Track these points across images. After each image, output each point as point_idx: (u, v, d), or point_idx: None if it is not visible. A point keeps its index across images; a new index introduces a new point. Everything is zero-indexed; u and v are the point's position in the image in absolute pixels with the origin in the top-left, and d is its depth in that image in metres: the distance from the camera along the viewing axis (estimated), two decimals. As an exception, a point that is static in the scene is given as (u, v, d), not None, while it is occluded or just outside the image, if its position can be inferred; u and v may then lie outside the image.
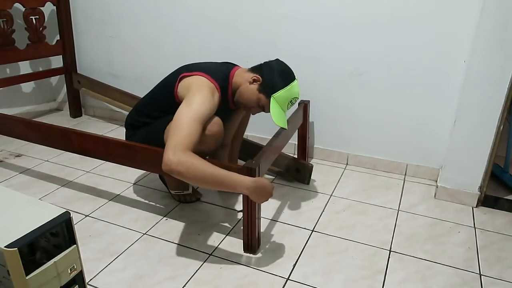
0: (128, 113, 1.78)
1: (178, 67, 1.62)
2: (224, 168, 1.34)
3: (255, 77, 1.52)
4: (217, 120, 1.46)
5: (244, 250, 1.51)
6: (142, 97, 1.75)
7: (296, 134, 2.06)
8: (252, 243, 1.49)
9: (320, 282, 1.37)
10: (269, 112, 1.51)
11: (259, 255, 1.50)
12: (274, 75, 1.51)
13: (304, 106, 2.02)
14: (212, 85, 1.46)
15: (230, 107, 1.64)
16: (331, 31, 2.04)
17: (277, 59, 1.59)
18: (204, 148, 1.47)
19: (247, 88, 1.54)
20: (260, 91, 1.52)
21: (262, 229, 1.65)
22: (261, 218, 1.72)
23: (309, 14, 2.05)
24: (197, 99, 1.38)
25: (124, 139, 1.73)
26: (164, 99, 1.57)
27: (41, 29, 2.54)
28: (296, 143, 2.14)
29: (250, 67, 1.59)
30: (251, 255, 1.50)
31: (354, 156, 2.23)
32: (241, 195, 1.43)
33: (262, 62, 1.58)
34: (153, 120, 1.61)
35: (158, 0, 2.40)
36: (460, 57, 1.82)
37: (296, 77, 1.55)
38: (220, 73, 1.53)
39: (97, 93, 2.70)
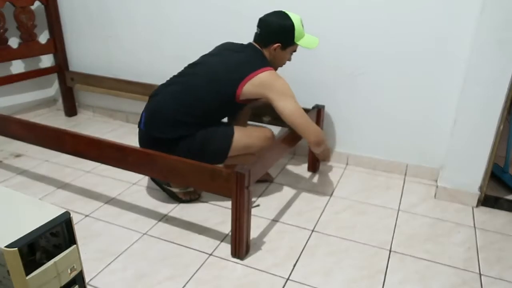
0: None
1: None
2: (213, 171, 1.42)
3: (274, 48, 1.70)
4: (272, 135, 1.79)
5: (232, 255, 1.49)
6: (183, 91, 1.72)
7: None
8: (239, 249, 1.47)
9: (320, 282, 1.37)
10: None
11: (259, 255, 1.50)
12: (282, 32, 1.67)
13: (318, 110, 2.01)
14: (274, 72, 1.67)
15: None
16: (331, 31, 2.04)
17: (263, 20, 1.71)
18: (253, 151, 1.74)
19: (276, 57, 1.73)
20: (286, 48, 1.72)
21: (262, 229, 1.66)
22: (262, 219, 1.73)
23: (308, 14, 2.05)
24: (285, 89, 1.64)
25: (165, 137, 1.66)
26: (220, 102, 1.67)
27: (32, 27, 2.54)
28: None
29: (253, 40, 1.75)
30: (247, 256, 1.50)
31: (354, 156, 2.23)
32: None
33: (258, 30, 1.72)
34: (196, 133, 1.66)
35: None
36: (460, 57, 1.82)
37: (284, 11, 1.70)
38: (266, 61, 1.71)
39: (91, 86, 2.71)
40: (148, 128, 1.69)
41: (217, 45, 1.84)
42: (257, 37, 1.73)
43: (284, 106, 1.62)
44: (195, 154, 1.60)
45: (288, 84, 1.65)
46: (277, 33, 1.68)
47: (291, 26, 1.65)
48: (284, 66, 1.81)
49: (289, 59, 1.80)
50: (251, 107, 1.96)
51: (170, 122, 1.64)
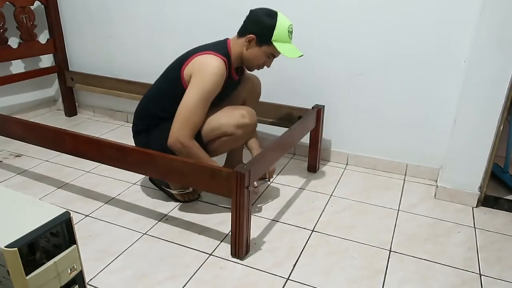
0: (133, 117, 1.79)
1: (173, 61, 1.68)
2: (213, 171, 1.42)
3: (248, 38, 1.60)
4: (248, 112, 1.62)
5: (232, 255, 1.49)
6: (141, 100, 1.76)
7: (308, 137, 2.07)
8: (239, 249, 1.47)
9: (320, 282, 1.37)
10: (279, 54, 1.62)
11: (259, 255, 1.50)
12: (261, 25, 1.57)
13: (318, 110, 2.00)
14: (219, 59, 1.54)
15: (234, 78, 1.69)
16: (330, 31, 2.04)
17: (250, 11, 1.64)
18: (237, 140, 1.65)
19: (249, 51, 1.62)
20: (260, 45, 1.60)
21: (262, 229, 1.66)
22: (262, 219, 1.73)
23: (309, 15, 2.05)
24: (205, 80, 1.51)
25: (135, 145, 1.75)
26: (174, 94, 1.60)
27: (32, 27, 2.54)
28: (308, 146, 2.13)
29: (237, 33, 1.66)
30: (247, 256, 1.50)
31: (354, 156, 2.23)
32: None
33: (243, 21, 1.64)
34: (166, 121, 1.63)
35: None
36: (460, 57, 1.82)
37: (277, 11, 1.60)
38: (219, 46, 1.61)
39: (91, 86, 2.71)
40: (132, 127, 1.78)
41: None
42: (240, 27, 1.65)
43: (187, 92, 1.53)
44: (167, 149, 1.57)
45: (214, 80, 1.51)
46: (256, 24, 1.57)
47: (273, 23, 1.55)
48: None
49: (267, 64, 1.68)
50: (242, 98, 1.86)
51: (142, 115, 1.71)
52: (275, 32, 1.56)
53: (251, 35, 1.59)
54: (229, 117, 1.60)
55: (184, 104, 1.53)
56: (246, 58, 1.64)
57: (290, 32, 1.60)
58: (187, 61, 1.57)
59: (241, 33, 1.63)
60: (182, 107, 1.53)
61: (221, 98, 1.67)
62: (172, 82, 1.62)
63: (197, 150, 1.58)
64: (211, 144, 1.66)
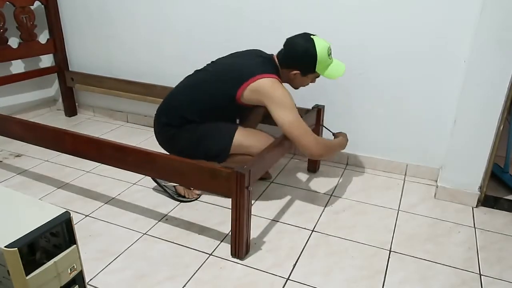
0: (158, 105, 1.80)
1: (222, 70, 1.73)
2: (213, 171, 1.43)
3: (294, 73, 1.69)
4: (271, 139, 1.71)
5: (232, 255, 1.49)
6: (174, 93, 1.77)
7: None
8: (239, 249, 1.47)
9: (320, 282, 1.37)
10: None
11: (259, 255, 1.50)
12: (303, 61, 1.66)
13: (318, 110, 2.01)
14: (278, 81, 1.64)
15: None
16: (331, 31, 2.03)
17: (288, 40, 1.69)
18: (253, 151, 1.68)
19: (295, 81, 1.74)
20: (307, 75, 1.71)
21: (262, 229, 1.66)
22: (262, 219, 1.73)
23: (309, 14, 2.05)
24: (285, 99, 1.59)
25: (161, 139, 1.77)
26: (221, 106, 1.68)
27: (32, 27, 2.54)
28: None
29: (276, 55, 1.74)
30: (247, 256, 1.50)
31: (354, 156, 2.23)
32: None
33: (282, 49, 1.71)
34: (194, 124, 1.68)
35: None
36: (460, 57, 1.82)
37: (312, 34, 1.67)
38: (273, 70, 1.68)
39: (91, 86, 2.71)
40: (158, 114, 1.78)
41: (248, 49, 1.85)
42: (280, 56, 1.72)
43: (280, 116, 1.59)
44: (194, 146, 1.63)
45: (289, 94, 1.61)
46: (298, 61, 1.66)
47: (314, 56, 1.62)
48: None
49: (313, 81, 1.79)
50: (262, 112, 1.94)
51: (176, 112, 1.71)
52: (317, 65, 1.65)
53: (296, 72, 1.68)
54: (260, 141, 1.68)
55: (288, 128, 1.59)
56: (294, 84, 1.76)
57: (330, 54, 1.67)
58: (246, 82, 1.61)
59: (285, 65, 1.70)
60: (290, 131, 1.59)
61: (251, 111, 1.89)
62: (223, 95, 1.66)
63: (329, 143, 1.73)
64: (231, 157, 1.70)
